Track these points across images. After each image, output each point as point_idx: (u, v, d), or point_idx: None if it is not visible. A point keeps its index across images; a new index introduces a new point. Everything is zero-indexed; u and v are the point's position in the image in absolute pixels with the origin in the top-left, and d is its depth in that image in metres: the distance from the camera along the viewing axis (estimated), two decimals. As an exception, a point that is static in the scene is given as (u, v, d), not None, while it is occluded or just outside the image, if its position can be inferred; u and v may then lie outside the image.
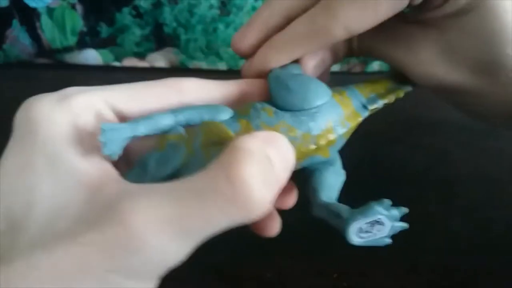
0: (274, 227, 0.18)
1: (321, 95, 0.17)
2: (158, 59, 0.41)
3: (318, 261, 0.21)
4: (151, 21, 0.40)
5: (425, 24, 0.19)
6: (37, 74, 0.40)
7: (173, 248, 0.14)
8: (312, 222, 0.21)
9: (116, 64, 0.41)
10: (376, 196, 0.25)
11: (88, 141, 0.15)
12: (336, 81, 0.39)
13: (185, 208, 0.13)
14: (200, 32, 0.40)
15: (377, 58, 0.21)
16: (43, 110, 0.16)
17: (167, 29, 0.40)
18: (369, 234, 0.16)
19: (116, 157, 0.15)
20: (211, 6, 0.39)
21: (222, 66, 0.41)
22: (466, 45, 0.18)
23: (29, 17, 0.39)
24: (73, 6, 0.39)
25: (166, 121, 0.16)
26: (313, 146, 0.17)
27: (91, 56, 0.41)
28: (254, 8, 0.39)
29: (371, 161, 0.28)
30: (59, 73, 0.41)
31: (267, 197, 0.14)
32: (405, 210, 0.16)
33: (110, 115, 0.17)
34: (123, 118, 0.17)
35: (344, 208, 0.16)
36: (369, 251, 0.22)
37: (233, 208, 0.13)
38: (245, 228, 0.19)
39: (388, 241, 0.17)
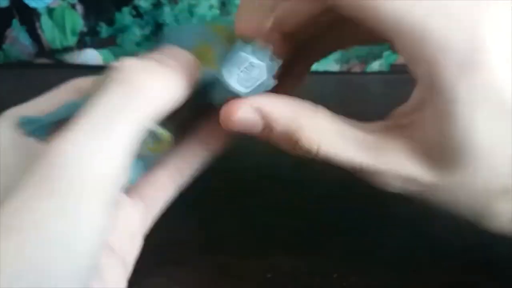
0: None
1: None
2: (158, 59, 0.41)
3: (318, 261, 0.21)
4: (151, 21, 0.40)
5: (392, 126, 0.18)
6: (37, 74, 0.40)
7: (103, 159, 0.15)
8: (312, 222, 0.21)
9: (116, 64, 0.41)
10: (373, 196, 0.25)
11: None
12: (336, 81, 0.39)
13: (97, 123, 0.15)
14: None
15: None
16: None
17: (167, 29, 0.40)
18: (251, 81, 0.17)
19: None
20: (211, 6, 0.39)
21: (222, 66, 0.41)
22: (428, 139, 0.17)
23: (29, 17, 0.39)
24: (73, 6, 0.39)
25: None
26: None
27: (91, 56, 0.41)
28: (254, 8, 0.39)
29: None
30: (59, 73, 0.40)
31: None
32: (269, 50, 0.16)
33: None
34: None
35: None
36: (370, 251, 0.22)
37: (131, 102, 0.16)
38: (245, 228, 0.19)
39: (273, 82, 0.17)
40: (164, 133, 0.18)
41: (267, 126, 0.18)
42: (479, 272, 0.20)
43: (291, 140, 0.17)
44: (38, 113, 0.19)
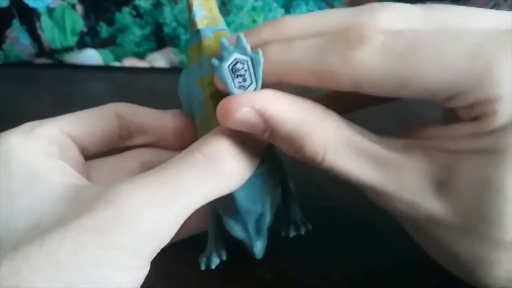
0: None
1: None
2: (158, 59, 0.41)
3: (319, 262, 0.21)
4: (151, 21, 0.40)
5: (428, 146, 0.16)
6: (37, 74, 0.40)
7: (163, 219, 0.15)
8: (312, 222, 0.21)
9: (116, 64, 0.41)
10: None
11: (57, 162, 0.17)
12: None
13: (168, 182, 0.15)
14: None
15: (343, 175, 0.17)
16: (14, 142, 0.17)
17: (167, 29, 0.40)
18: (245, 80, 0.16)
19: None
20: (211, 6, 0.39)
21: (222, 66, 0.41)
22: (469, 192, 0.15)
23: (29, 17, 0.39)
24: (73, 6, 0.39)
25: None
26: None
27: (91, 56, 0.41)
28: (254, 8, 0.39)
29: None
30: (59, 73, 0.41)
31: (238, 168, 0.16)
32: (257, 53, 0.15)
33: (67, 140, 0.20)
34: (75, 140, 0.20)
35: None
36: (370, 251, 0.22)
37: (208, 177, 0.16)
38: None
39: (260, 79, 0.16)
40: None
41: (269, 129, 0.16)
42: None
43: (295, 146, 0.16)
44: (76, 129, 0.20)
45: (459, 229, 0.16)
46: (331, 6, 0.39)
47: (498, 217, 0.15)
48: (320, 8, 0.39)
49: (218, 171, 0.16)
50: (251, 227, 0.18)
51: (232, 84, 0.16)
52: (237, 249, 0.20)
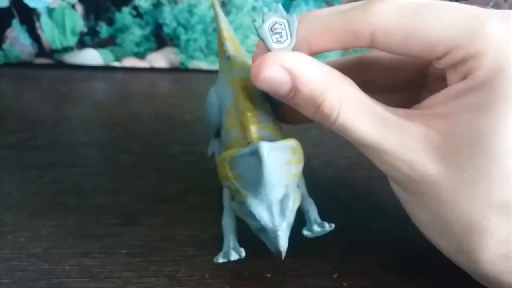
0: None
1: None
2: (158, 59, 0.41)
3: (318, 261, 0.21)
4: (151, 21, 0.40)
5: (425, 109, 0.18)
6: (37, 74, 0.40)
7: None
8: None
9: (116, 64, 0.41)
10: (374, 196, 0.25)
11: None
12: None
13: None
14: (200, 32, 0.40)
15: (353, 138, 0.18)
16: None
17: (167, 29, 0.40)
18: (282, 37, 0.18)
19: None
20: (211, 6, 0.39)
21: (222, 66, 0.41)
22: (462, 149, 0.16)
23: (29, 17, 0.39)
24: (73, 6, 0.39)
25: None
26: None
27: (91, 56, 0.41)
28: (254, 8, 0.39)
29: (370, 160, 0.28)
30: (59, 73, 0.41)
31: None
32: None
33: None
34: None
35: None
36: (370, 251, 0.22)
37: None
38: (245, 228, 0.19)
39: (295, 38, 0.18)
40: None
41: (294, 87, 0.18)
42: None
43: (314, 103, 0.18)
44: None
45: (452, 191, 0.16)
46: (331, 6, 0.39)
47: (488, 174, 0.16)
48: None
49: None
50: (275, 207, 0.18)
51: (271, 40, 0.18)
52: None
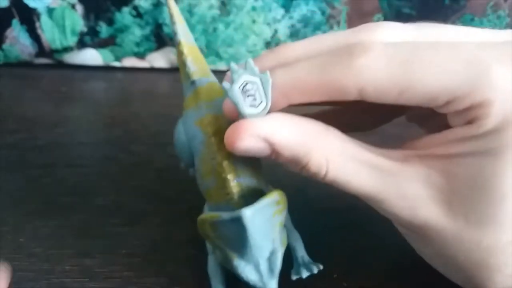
0: None
1: None
2: (158, 59, 0.41)
3: (318, 261, 0.21)
4: (151, 21, 0.40)
5: (425, 154, 0.17)
6: (37, 74, 0.40)
7: None
8: (311, 222, 0.21)
9: (116, 64, 0.41)
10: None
11: None
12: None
13: None
14: (200, 32, 0.40)
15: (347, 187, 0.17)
16: None
17: (167, 29, 0.40)
18: (255, 99, 0.17)
19: None
20: (211, 6, 0.39)
21: (222, 66, 0.41)
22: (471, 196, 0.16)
23: (29, 17, 0.39)
24: (73, 6, 0.39)
25: None
26: None
27: (91, 56, 0.41)
28: (254, 8, 0.39)
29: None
30: (59, 73, 0.41)
31: None
32: (265, 75, 0.16)
33: None
34: None
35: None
36: (370, 251, 0.22)
37: None
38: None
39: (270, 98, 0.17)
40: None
41: (275, 153, 0.17)
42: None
43: (299, 164, 0.17)
44: None
45: (457, 234, 0.16)
46: (331, 6, 0.39)
47: (495, 218, 0.15)
48: (320, 8, 0.39)
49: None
50: (263, 266, 0.17)
51: (243, 104, 0.16)
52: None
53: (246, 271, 0.17)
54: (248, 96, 0.16)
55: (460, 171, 0.16)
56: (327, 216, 0.21)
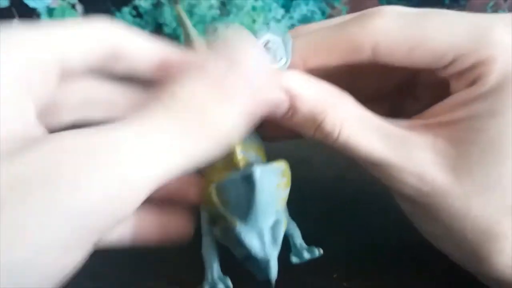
0: None
1: None
2: (158, 59, 0.41)
3: (318, 261, 0.21)
4: (151, 21, 0.40)
5: (433, 119, 0.17)
6: (37, 74, 0.40)
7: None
8: (311, 222, 0.21)
9: (116, 64, 0.41)
10: (373, 195, 0.25)
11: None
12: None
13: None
14: (200, 32, 0.40)
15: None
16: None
17: (167, 29, 0.40)
18: (278, 53, 0.18)
19: None
20: (211, 6, 0.39)
21: (222, 66, 0.41)
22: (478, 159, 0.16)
23: (29, 17, 0.39)
24: (73, 6, 0.39)
25: None
26: None
27: (91, 56, 0.41)
28: (254, 8, 0.39)
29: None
30: (59, 73, 0.40)
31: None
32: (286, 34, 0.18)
33: (50, 63, 0.16)
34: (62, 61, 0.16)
35: None
36: (370, 251, 0.22)
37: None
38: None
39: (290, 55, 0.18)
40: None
41: (292, 107, 0.17)
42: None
43: (314, 123, 0.17)
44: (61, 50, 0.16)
45: (464, 199, 0.16)
46: (331, 6, 0.39)
47: (500, 180, 0.16)
48: (320, 8, 0.39)
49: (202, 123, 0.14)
50: (267, 235, 0.17)
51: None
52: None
53: (249, 238, 0.17)
54: (269, 52, 0.18)
55: (464, 136, 0.16)
56: (327, 216, 0.21)
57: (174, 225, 0.19)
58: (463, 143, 0.16)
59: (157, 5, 0.39)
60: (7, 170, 0.12)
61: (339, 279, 0.21)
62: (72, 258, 0.14)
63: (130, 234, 0.18)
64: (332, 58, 0.18)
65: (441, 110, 0.17)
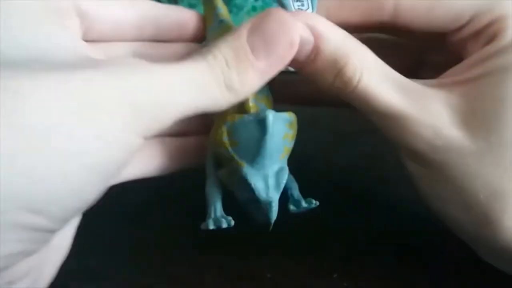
0: None
1: None
2: (158, 59, 0.41)
3: (318, 261, 0.21)
4: (151, 21, 0.40)
5: (450, 79, 0.18)
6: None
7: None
8: (312, 222, 0.21)
9: (116, 64, 0.41)
10: (373, 196, 0.25)
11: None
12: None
13: None
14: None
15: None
16: None
17: (167, 29, 0.40)
18: (303, 5, 0.18)
19: None
20: None
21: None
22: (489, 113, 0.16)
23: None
24: (73, 6, 0.39)
25: None
26: None
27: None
28: (254, 8, 0.39)
29: (369, 159, 0.28)
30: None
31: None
32: None
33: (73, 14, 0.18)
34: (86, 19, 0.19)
35: None
36: (370, 251, 0.22)
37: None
38: (245, 228, 0.19)
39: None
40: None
41: (316, 48, 0.17)
42: (486, 273, 0.20)
43: (336, 66, 0.17)
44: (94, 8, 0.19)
45: (477, 156, 0.16)
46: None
47: None
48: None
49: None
50: (271, 180, 0.17)
51: (292, 6, 0.18)
52: (237, 249, 0.20)
53: (255, 179, 0.17)
54: (296, 1, 0.18)
55: (480, 92, 0.16)
56: (327, 217, 0.21)
57: (194, 147, 0.21)
58: (477, 99, 0.16)
59: (157, 5, 0.39)
60: None
61: (339, 279, 0.21)
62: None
63: (156, 164, 0.20)
64: (355, 14, 0.18)
65: (456, 71, 0.18)
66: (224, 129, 0.18)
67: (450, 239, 0.20)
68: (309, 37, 0.17)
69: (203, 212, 0.22)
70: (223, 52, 0.16)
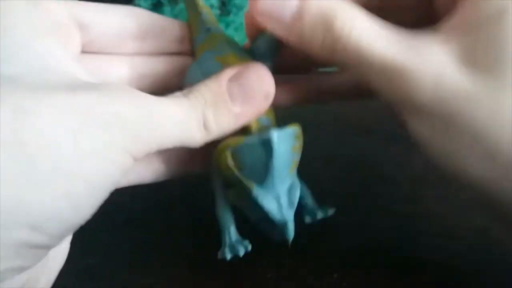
0: None
1: None
2: (158, 59, 0.41)
3: (318, 261, 0.21)
4: (151, 21, 0.40)
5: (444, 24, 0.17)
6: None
7: None
8: (312, 222, 0.21)
9: (116, 64, 0.41)
10: (373, 196, 0.25)
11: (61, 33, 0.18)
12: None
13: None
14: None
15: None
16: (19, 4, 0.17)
17: (167, 29, 0.40)
18: None
19: None
20: (211, 6, 0.39)
21: (222, 66, 0.41)
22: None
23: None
24: (73, 6, 0.39)
25: None
26: None
27: (91, 56, 0.41)
28: (254, 8, 0.39)
29: (369, 159, 0.28)
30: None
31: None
32: None
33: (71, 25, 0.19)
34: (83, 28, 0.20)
35: None
36: (370, 251, 0.22)
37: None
38: (245, 228, 0.19)
39: None
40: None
41: (301, 7, 0.17)
42: (481, 273, 0.20)
43: (324, 21, 0.16)
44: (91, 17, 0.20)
45: (490, 99, 0.15)
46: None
47: None
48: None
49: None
50: (283, 198, 0.17)
51: None
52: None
53: (267, 201, 0.17)
54: None
55: (480, 35, 0.15)
56: (327, 217, 0.21)
57: (191, 154, 0.21)
58: (480, 41, 0.15)
59: (157, 5, 0.39)
60: None
61: (339, 279, 0.21)
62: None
63: (153, 170, 0.21)
64: None
65: (452, 19, 0.16)
66: (228, 154, 0.17)
67: (450, 238, 0.20)
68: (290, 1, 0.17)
69: (203, 212, 0.22)
70: (203, 93, 0.17)
